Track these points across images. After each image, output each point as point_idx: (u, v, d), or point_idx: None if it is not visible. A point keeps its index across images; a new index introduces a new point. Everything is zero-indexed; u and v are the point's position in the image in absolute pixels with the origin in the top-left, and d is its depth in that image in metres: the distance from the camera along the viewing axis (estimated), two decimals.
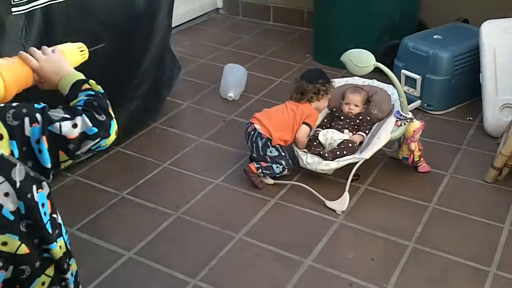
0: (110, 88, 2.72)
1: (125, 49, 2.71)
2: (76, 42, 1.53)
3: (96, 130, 1.14)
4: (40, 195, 1.16)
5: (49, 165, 1.13)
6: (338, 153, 2.61)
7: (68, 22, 2.35)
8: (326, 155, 2.58)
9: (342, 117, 2.81)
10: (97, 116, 1.15)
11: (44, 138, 1.09)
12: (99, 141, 1.17)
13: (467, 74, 3.28)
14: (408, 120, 2.63)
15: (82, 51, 1.48)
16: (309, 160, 2.59)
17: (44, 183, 1.18)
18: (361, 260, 2.22)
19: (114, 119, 1.21)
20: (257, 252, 2.25)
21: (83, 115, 1.14)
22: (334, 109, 2.87)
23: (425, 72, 3.26)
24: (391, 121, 2.66)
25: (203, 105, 3.40)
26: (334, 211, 2.49)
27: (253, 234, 2.34)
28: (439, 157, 2.88)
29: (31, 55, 1.29)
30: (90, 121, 1.13)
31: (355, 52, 2.60)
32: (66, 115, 1.13)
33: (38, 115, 1.11)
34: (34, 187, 1.14)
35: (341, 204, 2.50)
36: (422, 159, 2.74)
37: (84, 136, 1.13)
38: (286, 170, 2.63)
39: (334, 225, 2.41)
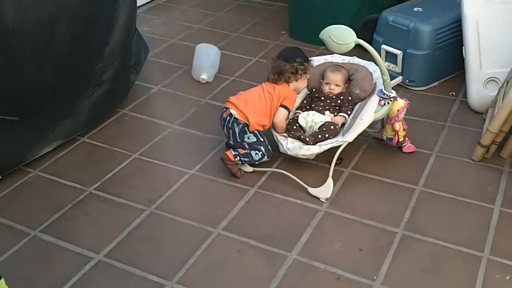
0: (72, 75, 2.58)
1: (85, 32, 2.50)
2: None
3: None
4: None
5: None
6: (319, 136, 2.46)
7: (19, 5, 2.12)
8: (307, 139, 2.43)
9: (322, 98, 2.66)
10: None
11: None
12: None
13: (450, 47, 3.15)
14: (391, 99, 2.49)
15: None
16: (290, 146, 2.44)
17: None
18: (349, 251, 2.08)
19: None
20: (238, 248, 2.10)
21: None
22: (314, 90, 2.71)
23: (406, 47, 3.12)
24: (374, 100, 2.51)
25: (175, 88, 3.21)
26: (318, 198, 2.35)
27: (233, 228, 2.19)
28: (423, 135, 2.76)
29: None
30: None
31: (334, 29, 2.43)
32: None
33: None
34: None
35: (325, 190, 2.36)
36: (406, 139, 2.61)
37: None
38: (266, 156, 2.48)
39: (319, 213, 2.27)
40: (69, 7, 2.36)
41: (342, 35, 2.41)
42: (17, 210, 2.25)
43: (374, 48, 2.52)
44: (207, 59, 3.29)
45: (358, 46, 2.41)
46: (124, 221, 2.22)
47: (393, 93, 2.50)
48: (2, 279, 1.19)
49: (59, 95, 2.49)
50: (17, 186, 2.41)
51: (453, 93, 3.15)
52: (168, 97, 3.13)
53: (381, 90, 2.51)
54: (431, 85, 3.22)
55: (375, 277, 1.97)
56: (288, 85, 2.57)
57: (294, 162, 2.52)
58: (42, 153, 2.54)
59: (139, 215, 2.25)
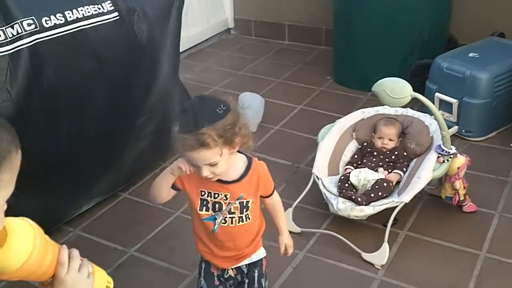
0: (113, 130, 2.50)
1: (127, 85, 2.42)
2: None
3: None
4: None
5: None
6: (372, 195, 2.29)
7: (59, 60, 2.06)
8: (359, 199, 2.27)
9: (375, 153, 2.50)
10: None
11: None
12: None
13: (509, 95, 2.98)
14: (451, 155, 2.31)
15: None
16: (341, 206, 2.28)
17: None
18: None
19: None
20: None
21: None
22: (365, 144, 2.56)
23: (462, 95, 2.95)
24: (432, 157, 2.34)
25: None
26: (373, 265, 2.17)
27: None
28: (484, 192, 2.56)
29: (69, 258, 1.07)
30: None
31: (388, 82, 2.29)
32: None
33: None
34: None
35: (380, 256, 2.18)
36: (467, 197, 2.42)
37: None
38: None
39: (374, 283, 2.09)
40: (111, 61, 2.29)
41: (397, 88, 2.26)
42: None
43: (427, 96, 2.38)
44: (251, 108, 3.17)
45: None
46: None
47: (453, 149, 2.33)
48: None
49: (98, 151, 2.41)
50: None
51: None
52: None
53: (440, 145, 2.34)
54: (489, 136, 3.03)
55: None
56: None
57: (345, 222, 2.35)
58: (81, 211, 2.45)
59: (182, 281, 2.11)
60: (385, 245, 2.18)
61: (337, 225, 2.37)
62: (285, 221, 1.67)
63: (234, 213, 1.51)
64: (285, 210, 2.40)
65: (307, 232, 2.34)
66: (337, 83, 3.70)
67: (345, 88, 3.61)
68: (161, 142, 2.82)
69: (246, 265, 1.62)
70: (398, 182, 2.40)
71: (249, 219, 1.53)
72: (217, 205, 1.50)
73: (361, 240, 2.26)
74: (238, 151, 1.48)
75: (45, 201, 2.24)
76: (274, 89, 3.64)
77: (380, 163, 2.45)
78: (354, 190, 2.34)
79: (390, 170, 2.43)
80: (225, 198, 1.49)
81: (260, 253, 1.64)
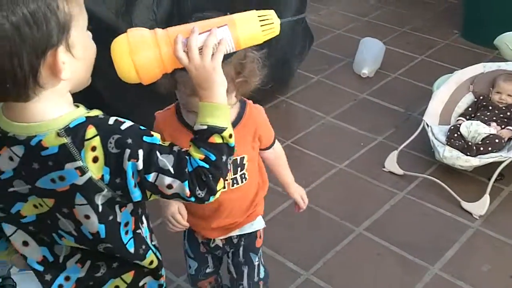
0: None
1: None
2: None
3: (191, 200, 0.98)
4: (124, 214, 1.05)
5: (138, 200, 0.99)
6: (481, 148, 2.30)
7: None
8: (468, 149, 2.29)
9: (490, 107, 2.48)
10: (197, 191, 0.97)
11: (138, 179, 0.96)
12: (189, 202, 1.01)
13: None
14: None
15: (264, 21, 1.00)
16: (447, 154, 2.32)
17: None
18: (498, 276, 1.94)
19: (217, 193, 1.00)
20: (378, 251, 2.06)
21: (185, 182, 0.96)
22: (482, 97, 2.54)
23: None
24: None
25: (335, 80, 3.20)
26: (471, 214, 2.21)
27: (375, 230, 2.15)
28: None
29: (188, 47, 0.97)
30: (190, 191, 0.97)
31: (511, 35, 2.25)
32: (171, 169, 0.95)
33: (140, 153, 0.94)
34: (117, 207, 1.03)
35: (480, 207, 2.21)
36: None
37: (177, 196, 0.98)
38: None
39: (469, 230, 2.14)
40: None
41: None
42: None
43: None
44: (370, 53, 3.23)
45: None
46: (268, 205, 2.27)
47: None
48: None
49: None
50: None
51: None
52: (327, 88, 3.14)
53: None
54: None
55: None
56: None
57: (448, 171, 2.39)
58: None
59: (283, 203, 2.29)
60: (486, 197, 2.21)
61: (441, 173, 2.41)
62: (291, 175, 1.45)
63: None
64: (390, 153, 2.52)
65: (410, 175, 2.41)
66: (464, 38, 3.60)
67: (471, 44, 3.51)
68: (280, 76, 2.98)
69: (237, 236, 1.39)
70: (510, 139, 2.38)
71: (245, 179, 1.26)
72: None
73: (463, 190, 2.30)
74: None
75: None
76: (397, 38, 3.63)
77: (494, 118, 2.43)
78: (463, 141, 2.35)
79: (503, 126, 2.41)
80: None
81: (256, 224, 1.38)
